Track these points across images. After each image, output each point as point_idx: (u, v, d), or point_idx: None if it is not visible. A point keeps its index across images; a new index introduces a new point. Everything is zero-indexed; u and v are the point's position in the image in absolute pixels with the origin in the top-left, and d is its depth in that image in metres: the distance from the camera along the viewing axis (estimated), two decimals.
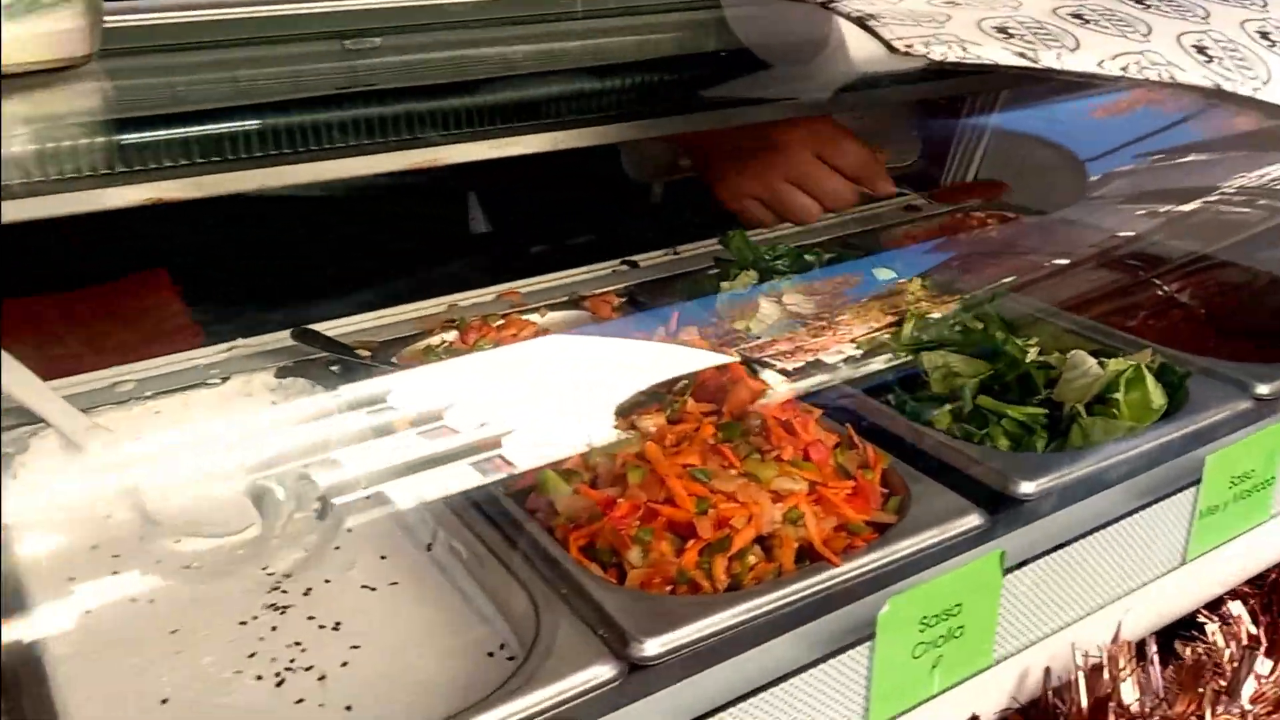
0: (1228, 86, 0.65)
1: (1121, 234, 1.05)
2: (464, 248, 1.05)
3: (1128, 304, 0.97)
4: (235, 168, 0.67)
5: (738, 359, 0.80)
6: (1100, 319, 0.92)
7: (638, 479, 0.67)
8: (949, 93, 1.17)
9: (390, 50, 0.70)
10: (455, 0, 0.79)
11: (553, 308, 0.99)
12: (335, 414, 0.80)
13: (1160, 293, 0.98)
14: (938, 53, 0.62)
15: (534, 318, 0.97)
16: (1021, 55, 0.63)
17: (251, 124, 0.67)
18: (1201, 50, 0.67)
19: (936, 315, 0.85)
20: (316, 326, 0.91)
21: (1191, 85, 0.64)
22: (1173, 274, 1.01)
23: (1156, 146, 1.04)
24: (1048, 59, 0.63)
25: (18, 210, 0.57)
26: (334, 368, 0.87)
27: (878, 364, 0.83)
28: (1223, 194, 1.02)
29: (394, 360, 0.88)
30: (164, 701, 0.57)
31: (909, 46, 0.62)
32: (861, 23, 0.67)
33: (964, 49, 0.63)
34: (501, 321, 0.94)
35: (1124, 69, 0.64)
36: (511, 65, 0.74)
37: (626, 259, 1.08)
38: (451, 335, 0.93)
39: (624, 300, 1.00)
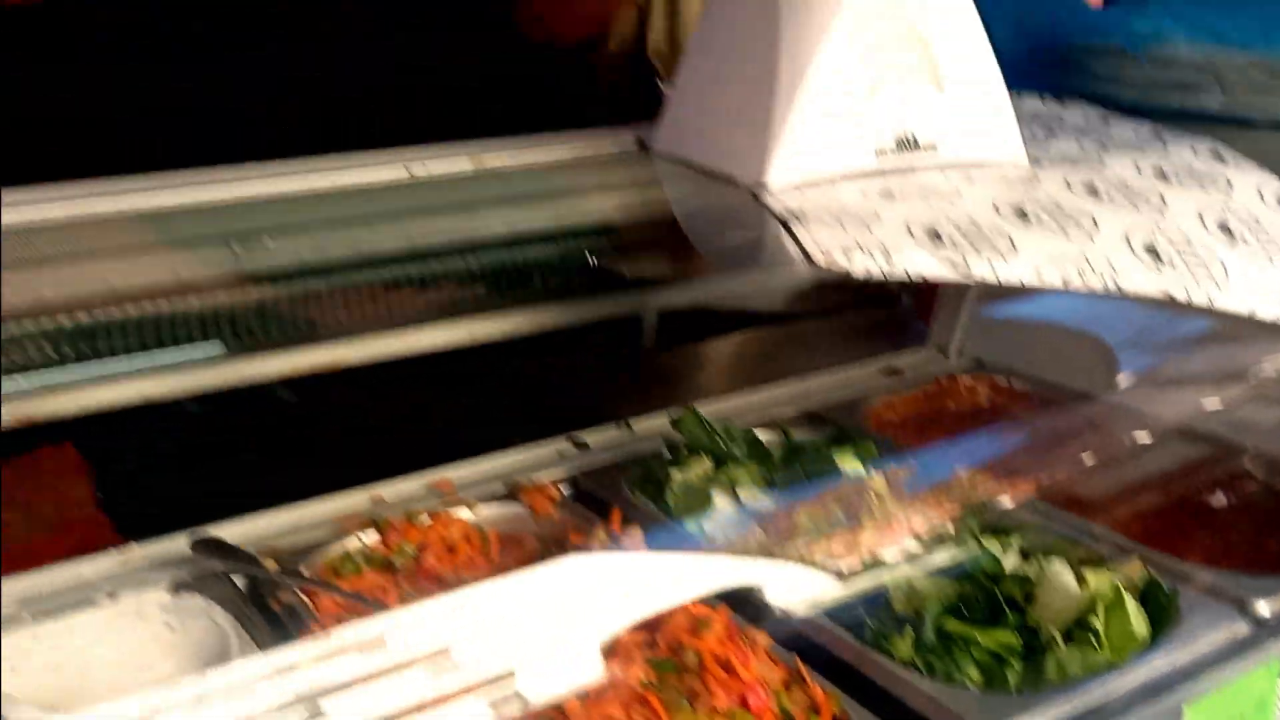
0: (1180, 295, 0.67)
1: (1130, 418, 1.05)
2: (389, 429, 1.07)
3: (1128, 498, 0.96)
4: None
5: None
6: (1091, 515, 0.93)
7: None
8: None
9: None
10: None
11: (487, 500, 1.00)
12: (233, 653, 0.80)
13: (1165, 486, 0.98)
14: (859, 264, 0.65)
15: (465, 513, 0.98)
16: (951, 265, 0.66)
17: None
18: (1152, 250, 0.70)
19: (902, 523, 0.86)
20: (221, 527, 0.92)
21: (1139, 294, 0.67)
22: (1181, 467, 1.00)
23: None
24: (979, 269, 0.66)
25: None
26: (236, 578, 0.88)
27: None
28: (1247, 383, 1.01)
29: (302, 571, 0.89)
30: None
31: (828, 256, 0.65)
32: (785, 224, 0.70)
33: (888, 259, 0.65)
34: (428, 520, 0.96)
35: (1064, 279, 0.66)
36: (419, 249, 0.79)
37: (574, 437, 1.10)
38: (371, 538, 0.94)
39: (569, 493, 1.01)
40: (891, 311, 1.38)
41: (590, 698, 0.69)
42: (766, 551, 0.86)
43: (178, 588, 0.88)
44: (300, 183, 0.81)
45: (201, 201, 0.76)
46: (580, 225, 0.93)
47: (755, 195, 0.77)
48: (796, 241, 0.67)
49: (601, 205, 0.90)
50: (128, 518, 0.97)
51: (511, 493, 1.01)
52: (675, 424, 1.05)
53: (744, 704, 0.70)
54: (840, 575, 0.81)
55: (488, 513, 0.99)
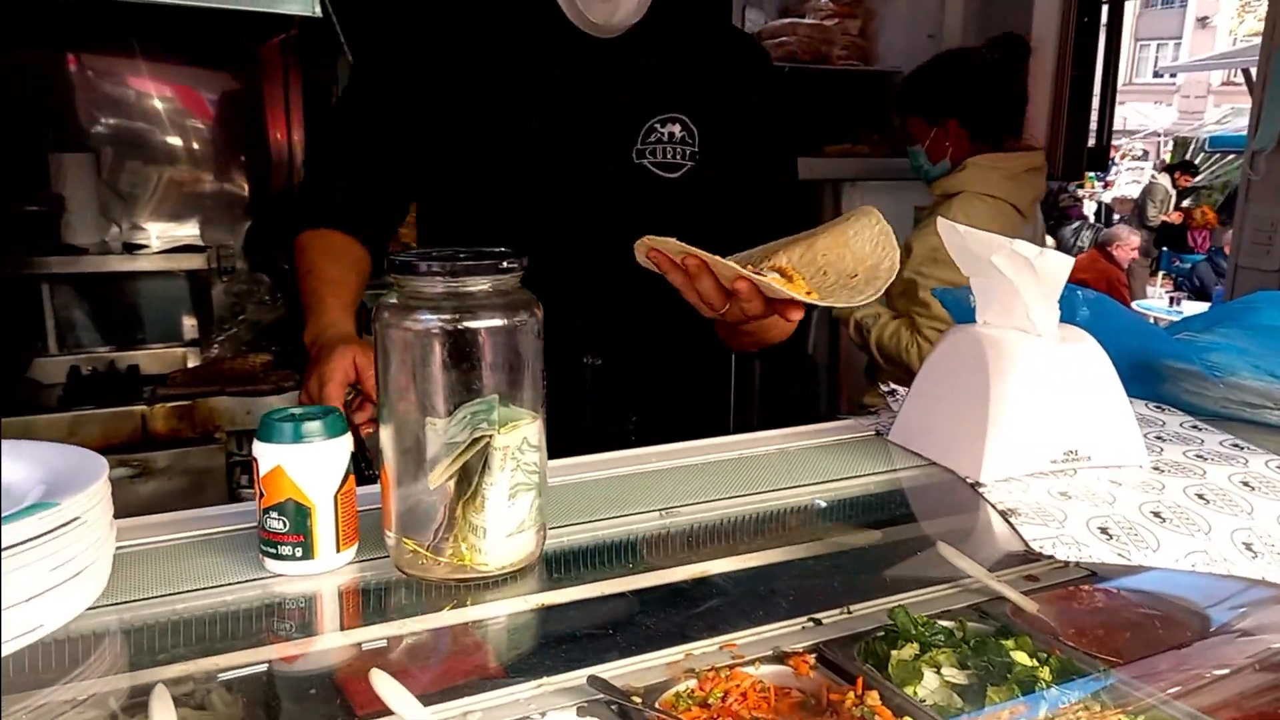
0: (1271, 578, 0.87)
1: (1221, 646, 1.18)
2: (697, 603, 1.31)
3: (1221, 695, 1.11)
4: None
5: None
6: (1189, 702, 1.08)
7: None
8: None
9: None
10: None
11: (763, 661, 1.22)
12: None
13: (1246, 692, 1.11)
14: (1062, 553, 0.87)
15: (750, 670, 1.20)
16: (1121, 555, 0.87)
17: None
18: (1248, 545, 0.90)
19: None
20: (602, 669, 1.16)
21: (1244, 577, 0.87)
22: (1261, 680, 1.13)
23: None
24: (1138, 558, 0.87)
25: None
26: (613, 707, 1.12)
27: None
28: None
29: (657, 705, 1.12)
30: None
31: (1041, 547, 0.87)
32: (1005, 517, 0.93)
33: (1079, 550, 0.87)
34: (727, 672, 1.18)
35: (1193, 565, 0.87)
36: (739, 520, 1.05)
37: (813, 616, 1.32)
38: (691, 683, 1.17)
39: (815, 657, 1.23)
40: None
41: None
42: None
43: (580, 711, 1.11)
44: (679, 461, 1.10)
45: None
46: (841, 486, 1.18)
47: (975, 486, 1.00)
48: (1017, 532, 0.90)
49: (858, 476, 1.15)
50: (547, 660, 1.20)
51: (779, 657, 1.22)
52: (890, 614, 1.26)
53: None
54: None
55: (766, 670, 1.20)
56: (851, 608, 1.34)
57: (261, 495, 0.80)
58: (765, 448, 1.16)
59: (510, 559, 0.82)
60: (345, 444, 0.81)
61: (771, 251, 1.03)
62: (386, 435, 0.79)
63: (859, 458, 1.16)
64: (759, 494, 1.10)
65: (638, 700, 1.13)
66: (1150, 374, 1.33)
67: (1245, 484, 1.00)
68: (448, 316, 0.76)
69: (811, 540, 1.21)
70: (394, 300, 0.78)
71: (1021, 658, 1.15)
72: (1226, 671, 1.09)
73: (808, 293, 0.96)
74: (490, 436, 0.76)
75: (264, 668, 0.82)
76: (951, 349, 1.11)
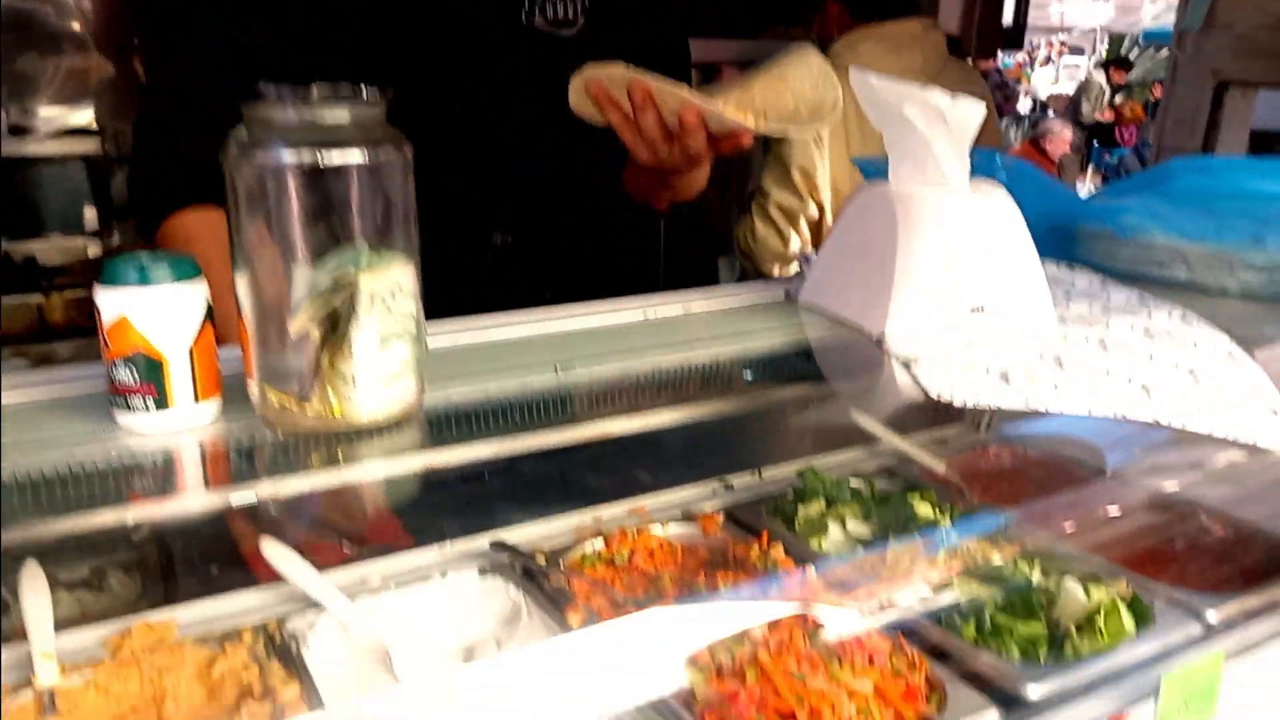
0: (1164, 421, 0.86)
1: (1118, 488, 1.20)
2: (609, 472, 1.28)
3: (1118, 538, 1.13)
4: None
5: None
6: (1091, 548, 1.10)
7: (753, 677, 0.87)
8: None
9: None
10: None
11: (672, 521, 1.20)
12: (524, 617, 1.01)
13: (1144, 532, 1.14)
14: (959, 397, 0.85)
15: (658, 530, 1.19)
16: (1020, 399, 0.85)
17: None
18: (1145, 389, 0.89)
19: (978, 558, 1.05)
20: (505, 533, 1.14)
21: (1138, 420, 0.86)
22: (1156, 520, 1.16)
23: None
24: (1036, 402, 0.86)
25: None
26: (516, 567, 1.09)
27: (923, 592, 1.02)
28: None
29: (560, 564, 1.10)
30: None
31: (939, 394, 0.85)
32: (906, 367, 0.90)
33: (978, 395, 0.85)
34: (635, 534, 1.16)
35: (1090, 409, 0.86)
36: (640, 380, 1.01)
37: (724, 479, 1.30)
38: (599, 544, 1.15)
39: (724, 519, 1.22)
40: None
41: (774, 653, 0.89)
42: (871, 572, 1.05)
43: (482, 572, 1.09)
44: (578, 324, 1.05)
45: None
46: (749, 348, 1.14)
47: (879, 342, 0.97)
48: (915, 380, 0.87)
49: (765, 337, 1.11)
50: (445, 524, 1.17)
51: (688, 517, 1.21)
52: (800, 475, 1.25)
53: (871, 662, 0.89)
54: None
55: (675, 530, 1.19)
56: (762, 471, 1.34)
57: (107, 347, 0.72)
58: (672, 309, 1.12)
59: (383, 410, 0.76)
60: (199, 289, 0.73)
61: (704, 98, 0.97)
62: (243, 284, 0.72)
63: (768, 319, 1.12)
64: (663, 352, 1.05)
65: (544, 560, 1.11)
66: (1064, 238, 1.31)
67: (1146, 332, 0.99)
68: (305, 150, 0.68)
69: (719, 401, 1.18)
70: (244, 136, 0.69)
71: (925, 510, 1.16)
72: (1117, 513, 1.10)
73: (755, 121, 0.94)
74: (356, 280, 0.69)
75: (122, 530, 0.76)
76: (863, 206, 1.06)
